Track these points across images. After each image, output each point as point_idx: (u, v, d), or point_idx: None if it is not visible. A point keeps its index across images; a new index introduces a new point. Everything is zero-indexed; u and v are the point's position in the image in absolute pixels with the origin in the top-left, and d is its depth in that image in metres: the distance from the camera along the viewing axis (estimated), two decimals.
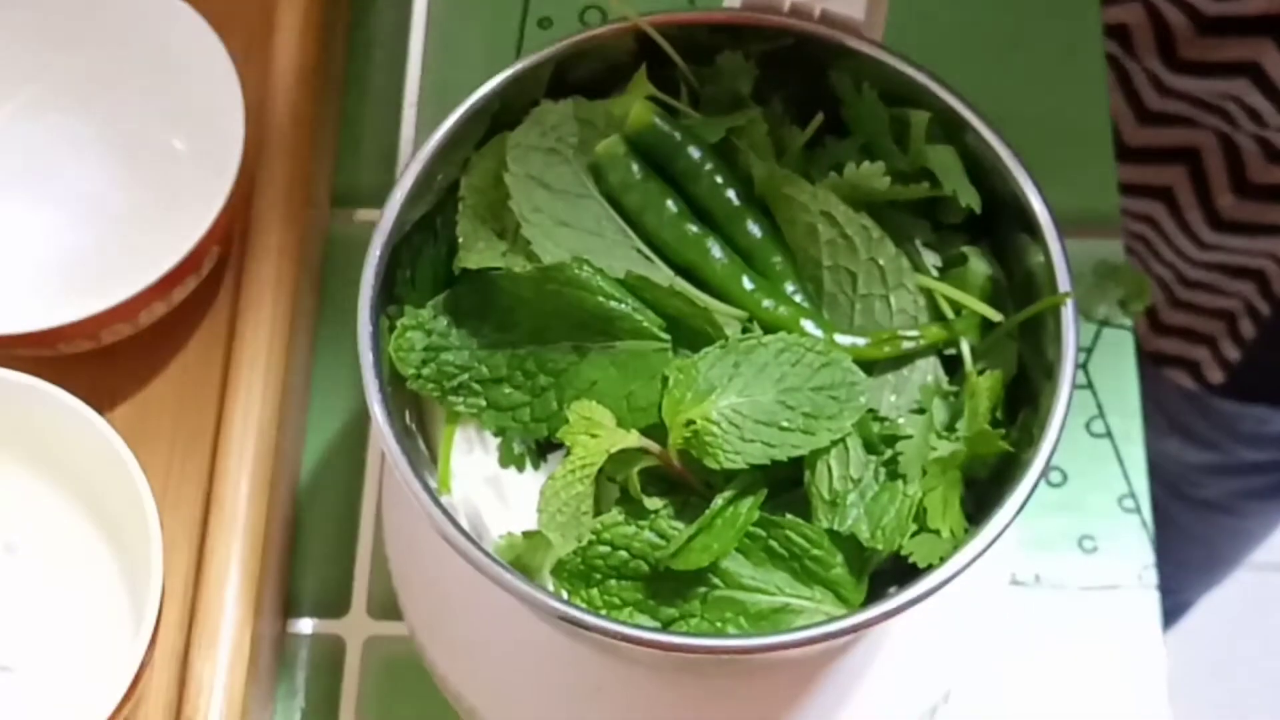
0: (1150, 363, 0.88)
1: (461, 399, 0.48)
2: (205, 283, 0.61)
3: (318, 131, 0.65)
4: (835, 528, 0.46)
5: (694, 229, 0.49)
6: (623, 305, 0.47)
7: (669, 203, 0.49)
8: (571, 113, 0.50)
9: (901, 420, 0.48)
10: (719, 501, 0.45)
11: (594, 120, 0.50)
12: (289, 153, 0.63)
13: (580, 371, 0.47)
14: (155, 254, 0.57)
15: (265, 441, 0.58)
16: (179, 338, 0.62)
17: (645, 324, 0.47)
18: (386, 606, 0.60)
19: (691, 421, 0.45)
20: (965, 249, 0.50)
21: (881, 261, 0.49)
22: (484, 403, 0.48)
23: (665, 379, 0.46)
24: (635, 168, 0.49)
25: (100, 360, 0.60)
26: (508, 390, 0.48)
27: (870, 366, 0.48)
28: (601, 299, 0.47)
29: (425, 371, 0.48)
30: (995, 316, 0.49)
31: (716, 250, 0.49)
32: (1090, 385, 0.64)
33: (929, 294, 0.49)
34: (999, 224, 0.50)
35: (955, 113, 0.49)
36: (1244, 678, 1.39)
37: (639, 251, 0.49)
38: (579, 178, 0.49)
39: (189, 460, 0.60)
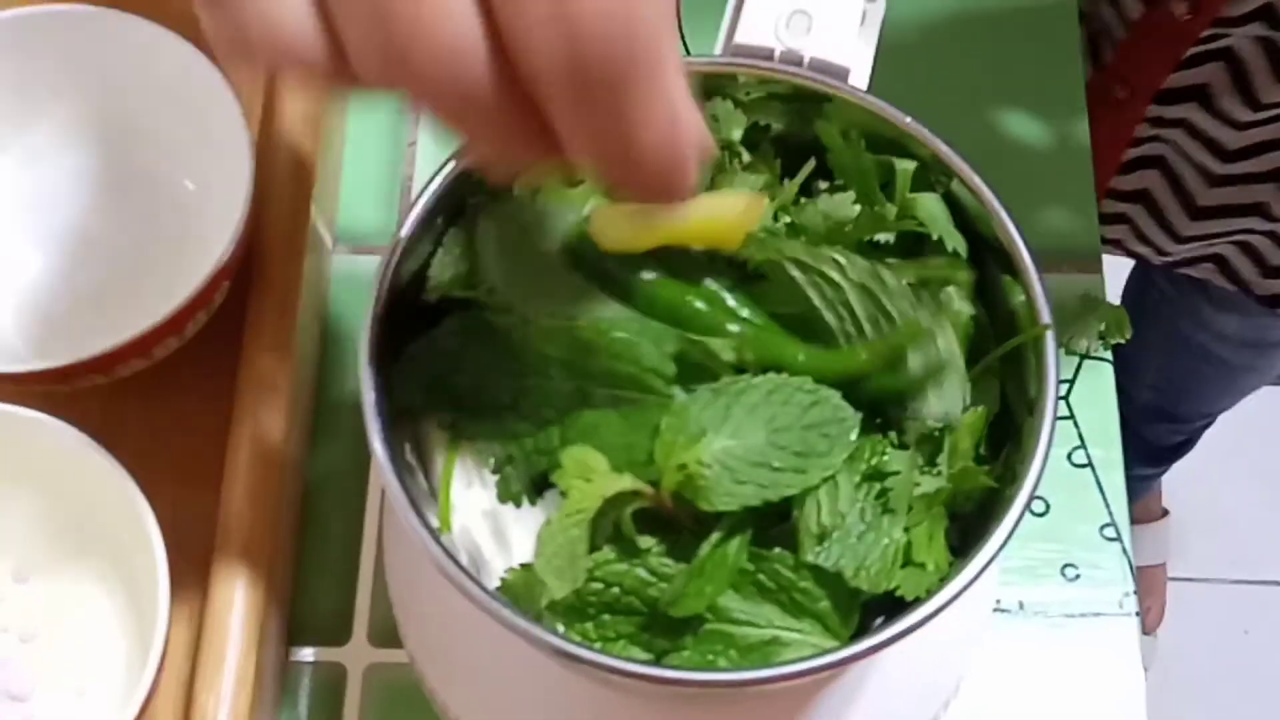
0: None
1: (464, 422, 0.48)
2: (215, 316, 0.61)
3: (322, 168, 0.66)
4: (821, 564, 0.46)
5: (675, 284, 0.48)
6: (630, 368, 0.47)
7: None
8: None
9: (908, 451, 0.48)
10: (706, 547, 0.45)
11: None
12: (295, 188, 0.64)
13: (584, 415, 0.47)
14: (167, 289, 0.58)
15: (270, 472, 0.59)
16: (188, 370, 0.62)
17: (650, 380, 0.47)
18: (387, 634, 0.61)
19: (684, 465, 0.45)
20: (947, 289, 0.50)
21: (859, 280, 0.48)
22: (486, 427, 0.48)
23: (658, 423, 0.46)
24: None
25: (112, 393, 0.61)
26: (511, 418, 0.48)
27: (902, 373, 0.48)
28: (607, 359, 0.47)
29: (431, 394, 0.48)
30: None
31: (699, 304, 0.48)
32: (1072, 416, 0.64)
33: (917, 289, 0.49)
34: (981, 264, 0.50)
35: (941, 159, 0.49)
36: (1222, 693, 1.40)
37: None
38: (555, 238, 0.49)
39: (196, 491, 0.60)
